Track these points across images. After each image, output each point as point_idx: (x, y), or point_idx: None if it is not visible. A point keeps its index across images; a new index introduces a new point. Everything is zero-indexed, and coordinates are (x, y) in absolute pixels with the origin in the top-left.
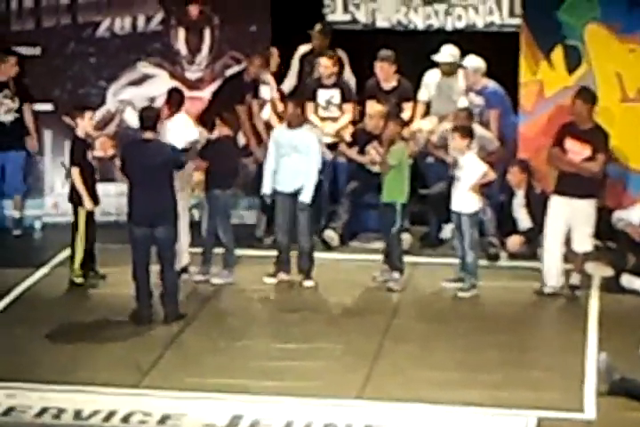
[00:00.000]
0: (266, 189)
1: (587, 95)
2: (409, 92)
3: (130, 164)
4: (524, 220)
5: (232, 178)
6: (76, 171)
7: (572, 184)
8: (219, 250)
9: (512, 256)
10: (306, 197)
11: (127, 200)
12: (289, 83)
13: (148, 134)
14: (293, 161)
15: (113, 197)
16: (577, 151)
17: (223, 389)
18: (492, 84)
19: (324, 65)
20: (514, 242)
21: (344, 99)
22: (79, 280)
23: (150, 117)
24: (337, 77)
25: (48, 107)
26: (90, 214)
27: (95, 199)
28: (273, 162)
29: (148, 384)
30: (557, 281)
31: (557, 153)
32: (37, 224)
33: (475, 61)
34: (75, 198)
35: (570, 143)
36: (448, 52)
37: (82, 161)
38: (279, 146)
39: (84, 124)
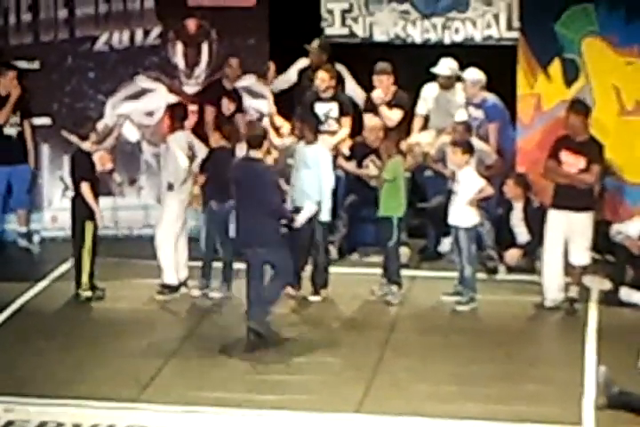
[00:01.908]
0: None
1: (580, 107)
2: (403, 101)
3: (231, 182)
4: (522, 233)
5: (229, 191)
6: (86, 185)
7: (569, 197)
8: (218, 264)
9: (510, 270)
10: (324, 215)
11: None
12: (280, 84)
13: (254, 153)
14: (302, 177)
15: (110, 210)
16: (572, 163)
17: (222, 403)
18: (491, 98)
19: (321, 78)
20: (512, 255)
21: (342, 112)
22: (87, 294)
23: (257, 136)
24: (335, 91)
25: (46, 121)
26: (95, 228)
27: None
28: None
29: (147, 398)
30: (558, 295)
31: (552, 165)
32: (36, 238)
33: (474, 74)
34: (80, 212)
35: (565, 155)
36: (447, 65)
37: (90, 175)
38: (295, 161)
39: (93, 139)
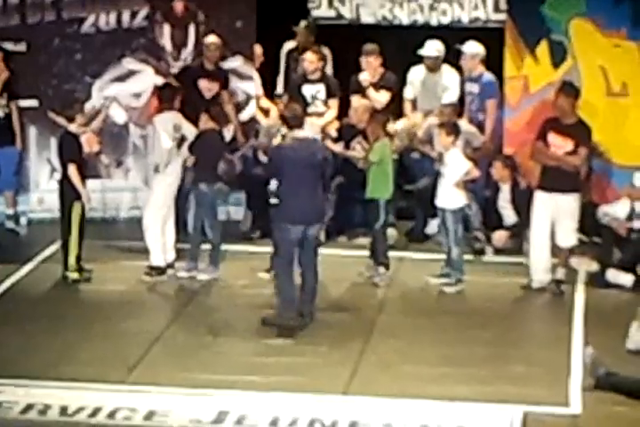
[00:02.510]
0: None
1: (569, 90)
2: (391, 82)
3: (286, 162)
4: (509, 215)
5: (218, 172)
6: (72, 167)
7: (556, 179)
8: (206, 246)
9: (498, 251)
10: None
11: (279, 199)
12: (281, 81)
13: (298, 133)
14: None
15: (98, 192)
16: (559, 145)
17: (209, 384)
18: (487, 74)
19: (309, 60)
20: (499, 237)
21: (329, 94)
22: (74, 275)
23: (296, 116)
24: (322, 73)
25: (33, 103)
26: (83, 210)
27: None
28: None
29: (134, 380)
30: (545, 276)
31: (540, 147)
32: (23, 220)
33: (473, 47)
34: (67, 194)
35: (552, 137)
36: (433, 47)
37: (78, 157)
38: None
39: (79, 121)
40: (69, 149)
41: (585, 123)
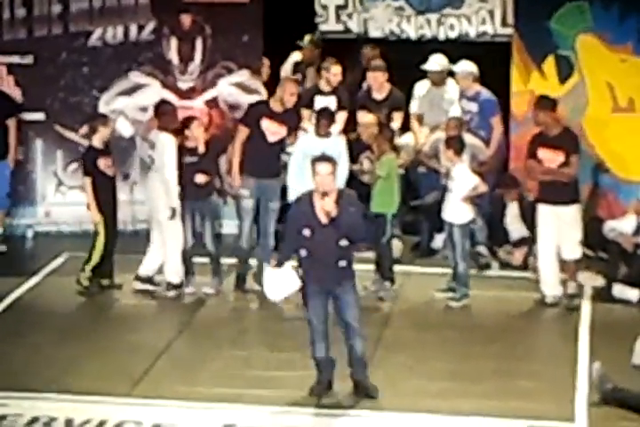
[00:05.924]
0: (292, 197)
1: (545, 103)
2: (400, 101)
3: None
4: (516, 230)
5: (212, 187)
6: (87, 180)
7: (554, 192)
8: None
9: (503, 266)
10: None
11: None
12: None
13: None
14: None
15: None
16: (550, 159)
17: (215, 398)
18: (485, 92)
19: (335, 73)
20: (517, 257)
21: (339, 106)
22: (86, 283)
23: None
24: (335, 85)
25: (40, 116)
26: (109, 222)
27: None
28: (298, 170)
29: (140, 393)
30: (557, 290)
31: (533, 164)
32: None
33: (465, 66)
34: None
35: (542, 152)
36: (436, 61)
37: (93, 171)
38: (309, 155)
39: (103, 134)
40: (87, 163)
41: (571, 130)
